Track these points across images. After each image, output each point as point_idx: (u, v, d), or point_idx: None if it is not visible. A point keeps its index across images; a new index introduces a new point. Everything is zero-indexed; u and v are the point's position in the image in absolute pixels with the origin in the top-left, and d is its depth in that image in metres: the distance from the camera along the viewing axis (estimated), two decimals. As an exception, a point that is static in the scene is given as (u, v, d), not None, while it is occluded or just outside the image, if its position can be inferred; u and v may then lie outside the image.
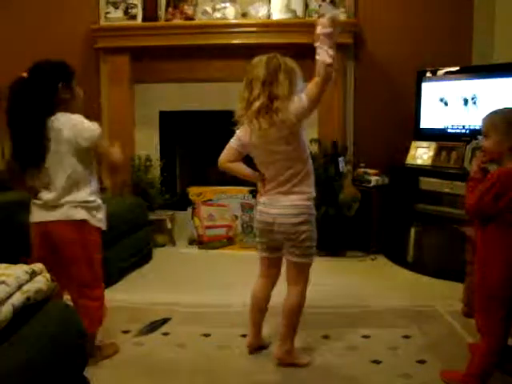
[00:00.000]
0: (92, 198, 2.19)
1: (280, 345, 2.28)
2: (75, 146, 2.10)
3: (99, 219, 2.22)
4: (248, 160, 2.31)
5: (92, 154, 2.18)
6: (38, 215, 2.17)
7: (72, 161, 2.12)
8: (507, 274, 1.90)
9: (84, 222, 2.16)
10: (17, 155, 2.13)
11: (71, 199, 2.13)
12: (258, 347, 2.41)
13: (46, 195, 2.14)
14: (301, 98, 2.08)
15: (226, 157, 2.29)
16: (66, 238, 2.14)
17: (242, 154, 2.28)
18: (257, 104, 2.08)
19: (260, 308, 2.38)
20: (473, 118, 3.58)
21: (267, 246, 2.31)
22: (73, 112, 2.15)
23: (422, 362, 2.29)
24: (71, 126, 2.09)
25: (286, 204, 2.18)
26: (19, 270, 1.31)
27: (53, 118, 2.10)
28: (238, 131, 2.25)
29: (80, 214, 2.14)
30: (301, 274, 2.26)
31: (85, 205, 2.16)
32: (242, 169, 2.30)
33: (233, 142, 2.28)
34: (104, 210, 2.26)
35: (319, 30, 2.03)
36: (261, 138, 2.14)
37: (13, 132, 2.10)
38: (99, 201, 2.23)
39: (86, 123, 2.13)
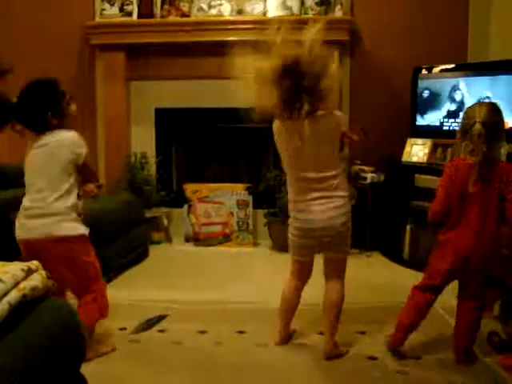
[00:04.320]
0: (74, 209, 2.20)
1: (329, 339, 2.32)
2: (70, 160, 2.16)
3: (83, 228, 2.22)
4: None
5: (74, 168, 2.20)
6: (23, 231, 2.18)
7: (63, 173, 2.16)
8: None
9: (68, 237, 2.16)
10: None
11: (59, 207, 2.14)
12: (287, 340, 2.47)
13: (36, 203, 2.16)
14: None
15: None
16: (53, 254, 2.13)
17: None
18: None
19: (292, 309, 2.45)
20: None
21: (306, 251, 2.33)
22: (66, 128, 2.21)
23: (417, 357, 2.31)
24: (63, 143, 2.16)
25: (332, 207, 2.21)
26: (15, 268, 1.31)
27: (45, 135, 2.17)
28: (274, 127, 2.27)
29: (63, 229, 2.14)
30: (344, 267, 2.34)
31: (68, 216, 2.16)
32: None
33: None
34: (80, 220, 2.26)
35: None
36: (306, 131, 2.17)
37: None
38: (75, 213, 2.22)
39: (77, 140, 2.19)
